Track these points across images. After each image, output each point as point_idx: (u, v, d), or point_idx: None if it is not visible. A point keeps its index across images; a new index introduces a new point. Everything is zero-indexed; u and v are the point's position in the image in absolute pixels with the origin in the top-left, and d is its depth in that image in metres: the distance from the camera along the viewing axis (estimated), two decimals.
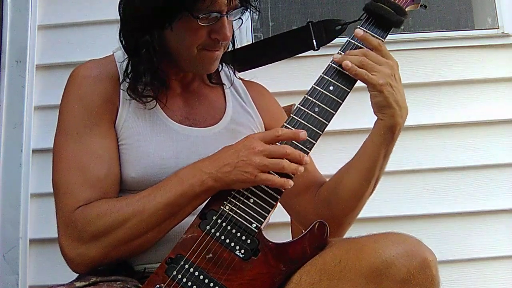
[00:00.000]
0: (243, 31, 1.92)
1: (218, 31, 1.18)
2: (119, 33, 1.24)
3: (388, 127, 1.16)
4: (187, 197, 1.10)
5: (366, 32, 1.18)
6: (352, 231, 1.17)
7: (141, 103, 1.22)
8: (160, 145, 1.21)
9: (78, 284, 1.16)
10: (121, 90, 1.24)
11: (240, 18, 1.22)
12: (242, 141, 1.12)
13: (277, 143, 1.10)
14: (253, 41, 1.91)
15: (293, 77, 1.89)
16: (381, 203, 1.83)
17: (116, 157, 1.21)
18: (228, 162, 1.09)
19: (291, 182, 1.08)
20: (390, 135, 1.17)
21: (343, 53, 1.17)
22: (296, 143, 1.11)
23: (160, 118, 1.24)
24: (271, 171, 1.07)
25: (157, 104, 1.24)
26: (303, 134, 1.10)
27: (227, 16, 1.17)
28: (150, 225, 1.10)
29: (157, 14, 1.15)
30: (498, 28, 1.96)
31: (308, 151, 1.11)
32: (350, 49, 1.17)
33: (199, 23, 1.15)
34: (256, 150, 1.08)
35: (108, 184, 1.17)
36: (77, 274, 1.23)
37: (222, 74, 1.40)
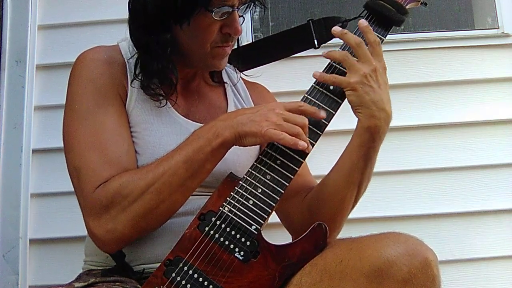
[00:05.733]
0: (243, 31, 1.91)
1: (230, 25, 1.19)
2: (129, 30, 1.23)
3: (366, 128, 1.14)
4: (204, 152, 1.09)
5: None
6: (352, 231, 1.16)
7: (156, 100, 1.22)
8: (165, 136, 1.21)
9: (77, 284, 1.16)
10: (128, 77, 1.23)
11: (246, 13, 1.24)
12: (264, 104, 1.14)
13: None
14: (253, 41, 1.90)
15: (294, 77, 1.88)
16: (381, 203, 1.83)
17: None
18: (246, 113, 1.11)
19: (302, 143, 1.06)
20: (368, 136, 1.14)
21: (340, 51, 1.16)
22: None
23: (165, 109, 1.24)
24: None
25: (167, 101, 1.24)
26: (322, 113, 1.12)
27: (237, 11, 1.18)
28: (173, 186, 1.09)
29: (173, 13, 1.15)
30: (498, 28, 1.95)
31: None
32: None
33: (213, 17, 1.15)
34: (276, 111, 1.09)
35: (131, 160, 1.17)
36: (76, 275, 1.24)
37: (224, 74, 1.40)
